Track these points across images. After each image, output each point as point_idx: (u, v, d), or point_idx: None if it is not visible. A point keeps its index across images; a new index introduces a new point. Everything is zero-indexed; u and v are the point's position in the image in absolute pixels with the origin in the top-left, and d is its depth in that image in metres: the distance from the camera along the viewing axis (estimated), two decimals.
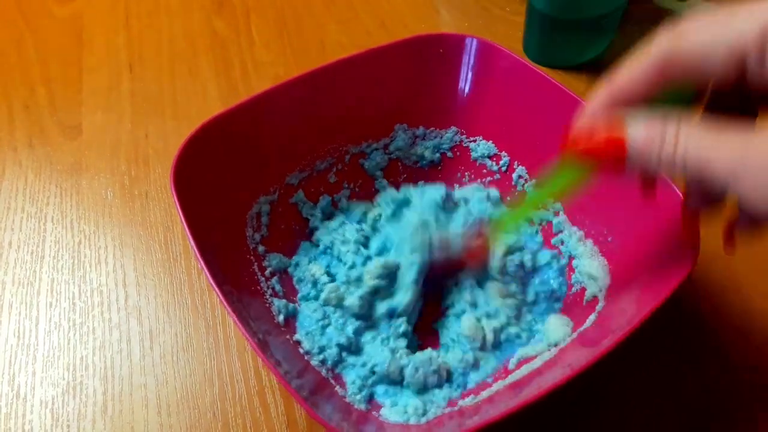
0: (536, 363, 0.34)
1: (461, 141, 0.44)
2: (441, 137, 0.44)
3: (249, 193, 0.38)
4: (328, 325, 0.36)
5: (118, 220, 0.45)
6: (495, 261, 0.38)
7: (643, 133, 0.23)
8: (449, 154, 0.44)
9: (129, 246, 0.43)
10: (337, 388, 0.33)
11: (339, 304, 0.36)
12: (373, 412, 0.33)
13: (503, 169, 0.43)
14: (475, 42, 0.41)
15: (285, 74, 0.52)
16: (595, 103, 0.26)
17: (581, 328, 0.34)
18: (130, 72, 0.54)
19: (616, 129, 0.24)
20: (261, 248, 0.38)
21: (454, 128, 0.44)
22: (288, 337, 0.35)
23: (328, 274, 0.38)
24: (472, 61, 0.42)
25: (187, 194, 0.33)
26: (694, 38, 0.23)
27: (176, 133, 0.49)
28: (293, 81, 0.38)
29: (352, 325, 0.36)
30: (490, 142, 0.43)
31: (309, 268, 0.38)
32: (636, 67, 0.24)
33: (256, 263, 0.37)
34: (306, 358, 0.34)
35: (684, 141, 0.22)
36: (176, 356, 0.38)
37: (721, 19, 0.22)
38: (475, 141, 0.43)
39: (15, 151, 0.49)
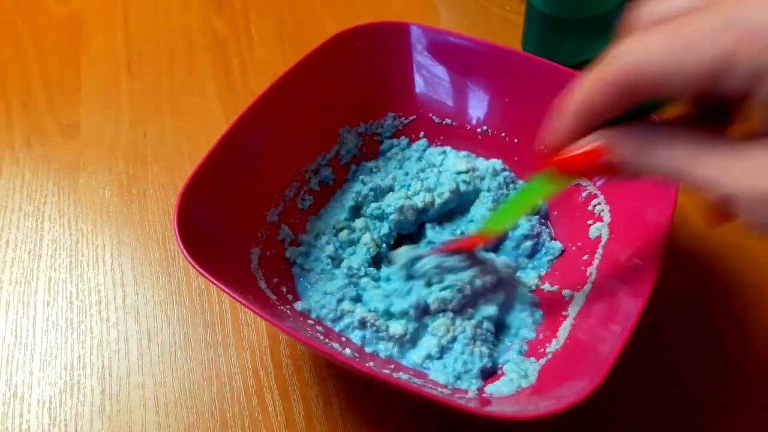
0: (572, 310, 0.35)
1: (401, 124, 0.44)
2: (381, 126, 0.44)
3: (244, 247, 0.37)
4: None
5: (116, 219, 0.44)
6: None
7: (626, 143, 0.24)
8: (395, 141, 0.44)
9: (127, 245, 0.43)
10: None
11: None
12: (482, 394, 0.33)
13: None
14: (385, 27, 0.42)
15: None
16: (564, 122, 0.25)
17: (594, 265, 0.36)
18: (128, 71, 0.54)
19: (599, 147, 0.25)
20: (280, 296, 0.36)
21: (390, 114, 0.44)
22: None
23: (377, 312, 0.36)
24: (389, 46, 0.43)
25: (202, 262, 0.31)
26: (657, 57, 0.21)
27: (175, 132, 0.49)
28: (240, 120, 0.37)
29: None
30: (431, 115, 0.44)
31: (344, 306, 0.36)
32: (599, 86, 0.24)
33: (289, 310, 0.35)
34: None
35: (670, 149, 0.23)
36: (174, 356, 0.38)
37: (682, 35, 0.21)
38: (415, 118, 0.44)
39: (13, 149, 0.49)
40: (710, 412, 0.35)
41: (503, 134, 0.42)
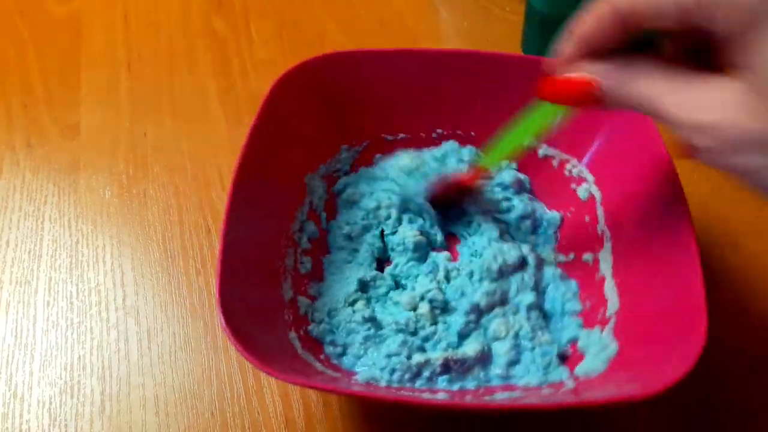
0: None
1: (357, 153, 0.43)
2: (339, 162, 0.42)
3: (282, 334, 0.34)
4: None
5: (116, 219, 0.44)
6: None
7: (609, 75, 0.26)
8: (347, 180, 0.42)
9: (127, 245, 0.43)
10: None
11: None
12: (578, 380, 0.33)
13: None
14: (316, 63, 0.40)
15: None
16: (565, 55, 0.28)
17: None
18: (128, 71, 0.54)
19: (586, 73, 0.27)
20: (338, 370, 0.34)
21: (343, 147, 0.42)
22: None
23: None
24: (324, 80, 0.41)
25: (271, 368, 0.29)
26: None
27: (175, 132, 0.49)
28: (231, 205, 0.34)
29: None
30: (383, 135, 0.43)
31: (414, 360, 0.34)
32: (595, 21, 0.26)
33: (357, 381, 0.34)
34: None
35: (645, 84, 0.25)
36: (174, 356, 0.38)
37: None
38: (368, 143, 0.43)
39: (13, 150, 0.49)
40: (710, 416, 0.35)
41: (459, 131, 0.42)
